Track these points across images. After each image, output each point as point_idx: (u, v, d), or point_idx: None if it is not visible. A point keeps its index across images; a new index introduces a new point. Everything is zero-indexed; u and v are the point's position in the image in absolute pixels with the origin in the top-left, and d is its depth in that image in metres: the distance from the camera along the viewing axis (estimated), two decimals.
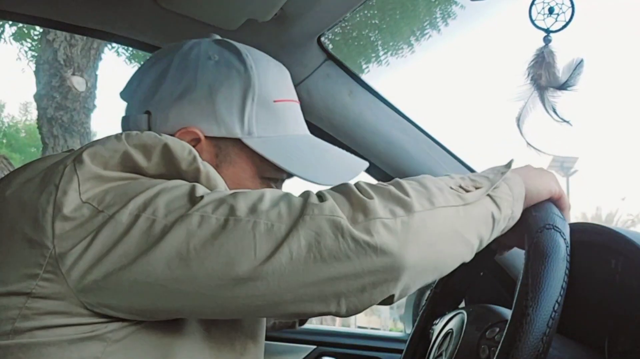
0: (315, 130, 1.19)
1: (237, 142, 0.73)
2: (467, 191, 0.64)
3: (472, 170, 1.17)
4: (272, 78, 0.77)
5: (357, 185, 0.59)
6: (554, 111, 0.84)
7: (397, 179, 0.63)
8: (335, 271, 0.54)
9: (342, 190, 0.58)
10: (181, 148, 0.61)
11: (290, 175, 0.76)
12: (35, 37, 4.21)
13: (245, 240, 0.53)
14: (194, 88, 0.72)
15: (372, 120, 1.14)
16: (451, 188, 0.63)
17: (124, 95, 0.78)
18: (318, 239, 0.53)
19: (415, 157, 1.15)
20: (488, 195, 0.66)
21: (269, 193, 0.57)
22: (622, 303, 0.71)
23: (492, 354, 0.74)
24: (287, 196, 0.57)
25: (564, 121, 0.84)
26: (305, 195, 0.57)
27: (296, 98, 0.80)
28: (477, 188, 0.65)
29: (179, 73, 0.74)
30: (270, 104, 0.75)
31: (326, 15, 0.99)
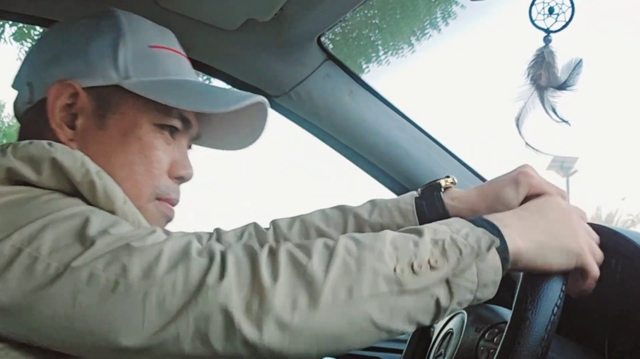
0: (315, 130, 1.19)
1: (118, 89, 0.71)
2: (415, 273, 0.54)
3: (471, 170, 1.17)
4: (145, 27, 0.76)
5: (270, 251, 0.53)
6: (554, 111, 0.84)
7: (339, 242, 0.54)
8: (217, 356, 0.51)
9: (250, 259, 0.52)
10: (72, 160, 0.59)
11: (184, 120, 0.75)
12: (36, 37, 4.21)
13: (134, 310, 0.50)
14: (66, 48, 0.72)
15: (372, 120, 1.14)
16: (395, 270, 0.53)
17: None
18: (207, 326, 0.50)
19: (415, 157, 1.15)
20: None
21: (168, 249, 0.53)
22: (622, 303, 0.71)
23: (491, 356, 0.74)
24: (187, 257, 0.52)
25: (563, 121, 0.84)
26: (205, 266, 0.51)
27: (182, 52, 0.79)
28: (433, 268, 0.54)
29: (50, 40, 0.75)
30: (146, 49, 0.74)
31: (326, 15, 0.99)
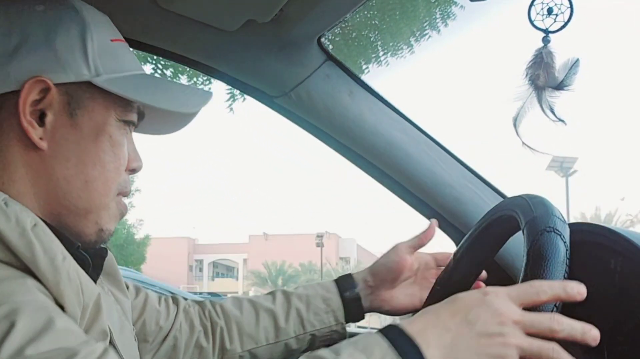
0: (315, 130, 1.19)
1: (88, 85, 0.70)
2: None
3: (471, 170, 1.17)
4: (101, 19, 0.75)
5: None
6: (552, 111, 0.84)
7: None
8: None
9: None
10: (5, 219, 0.58)
11: (140, 114, 0.76)
12: None
13: None
14: (28, 39, 0.68)
15: (372, 120, 1.14)
16: None
17: None
18: None
19: (415, 157, 1.15)
20: None
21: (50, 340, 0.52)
22: (622, 303, 0.71)
23: None
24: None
25: (560, 120, 0.84)
26: None
27: (122, 38, 0.78)
28: None
29: (5, 29, 0.69)
30: (109, 43, 0.73)
31: (326, 15, 0.99)
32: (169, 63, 3.95)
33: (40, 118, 0.69)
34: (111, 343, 0.67)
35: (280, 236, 38.52)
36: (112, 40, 0.74)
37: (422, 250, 1.05)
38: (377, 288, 1.02)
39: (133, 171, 0.77)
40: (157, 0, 0.97)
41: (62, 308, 0.58)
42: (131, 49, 0.79)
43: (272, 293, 1.04)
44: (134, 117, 0.75)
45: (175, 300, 1.00)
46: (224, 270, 42.46)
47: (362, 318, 1.04)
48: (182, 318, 0.97)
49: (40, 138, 0.68)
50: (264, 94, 1.17)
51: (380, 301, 1.03)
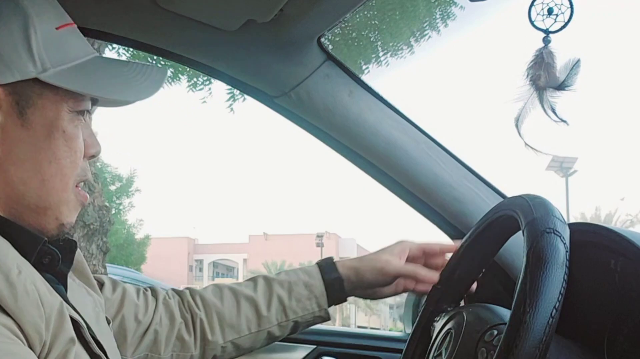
0: (314, 130, 1.19)
1: (35, 82, 0.67)
2: None
3: (471, 170, 1.17)
4: (45, 5, 0.70)
5: None
6: (553, 111, 0.84)
7: None
8: None
9: None
10: None
11: (94, 100, 0.73)
12: None
13: None
14: None
15: (372, 120, 1.14)
16: None
17: None
18: None
19: (415, 157, 1.15)
20: None
21: None
22: (622, 303, 0.71)
23: (490, 358, 0.74)
24: None
25: (562, 121, 0.84)
26: None
27: (70, 20, 0.74)
28: None
29: None
30: (53, 32, 0.69)
31: (326, 15, 0.99)
32: (168, 63, 3.96)
33: None
34: (86, 337, 0.66)
35: (280, 236, 38.50)
36: (57, 28, 0.70)
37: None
38: (360, 287, 1.04)
39: (92, 157, 0.74)
40: (157, 0, 0.97)
41: (20, 325, 0.56)
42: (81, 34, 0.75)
43: (253, 279, 1.03)
44: (87, 105, 0.72)
45: (154, 292, 0.98)
46: (224, 270, 42.45)
47: (345, 301, 1.05)
48: (162, 311, 0.96)
49: None
50: (264, 94, 1.17)
51: (363, 293, 1.05)
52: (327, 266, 1.03)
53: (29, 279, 0.59)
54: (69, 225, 0.72)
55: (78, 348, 0.63)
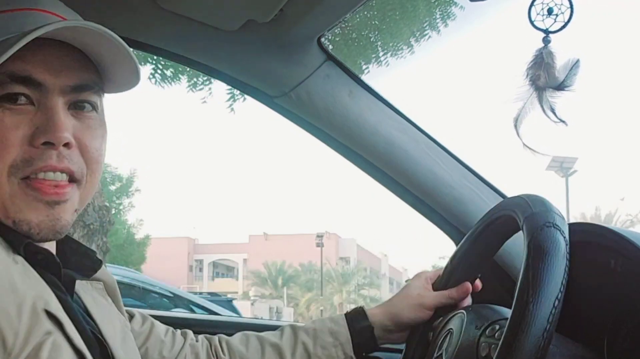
0: (315, 130, 1.19)
1: None
2: None
3: (471, 170, 1.17)
4: None
5: None
6: (553, 112, 0.84)
7: None
8: None
9: None
10: None
11: (26, 81, 0.65)
12: None
13: None
14: None
15: (372, 120, 1.14)
16: None
17: None
18: None
19: (415, 157, 1.15)
20: None
21: None
22: (622, 303, 0.71)
23: (492, 352, 0.74)
24: None
25: (561, 121, 0.84)
26: None
27: (32, 5, 0.68)
28: None
29: None
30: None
31: (326, 16, 0.99)
32: (169, 64, 3.95)
33: None
34: (108, 348, 0.67)
35: (280, 236, 38.49)
36: (2, 12, 0.66)
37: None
38: (398, 329, 1.00)
39: (49, 144, 0.65)
40: (157, 0, 0.97)
41: None
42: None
43: (280, 329, 1.03)
44: (9, 89, 0.64)
45: (183, 333, 1.00)
46: (224, 270, 42.44)
47: (377, 347, 1.01)
48: (188, 351, 0.97)
49: None
50: (264, 94, 1.17)
51: (400, 337, 1.01)
52: (355, 315, 1.01)
53: (1, 266, 0.58)
54: (29, 225, 0.65)
55: (59, 339, 0.60)
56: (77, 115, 0.69)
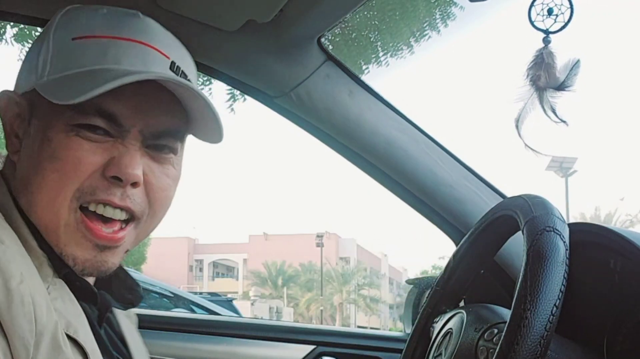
0: (315, 130, 1.19)
1: (38, 92, 0.65)
2: None
3: (471, 170, 1.17)
4: (77, 17, 0.69)
5: None
6: (553, 112, 0.84)
7: None
8: None
9: None
10: None
11: (109, 117, 0.64)
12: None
13: None
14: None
15: (372, 120, 1.14)
16: None
17: None
18: None
19: (415, 157, 1.15)
20: None
21: None
22: (621, 303, 0.71)
23: (490, 356, 0.74)
24: None
25: (562, 121, 0.84)
26: None
27: (124, 35, 0.67)
28: None
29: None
30: (68, 43, 0.67)
31: (326, 16, 0.99)
32: None
33: (21, 131, 0.69)
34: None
35: (280, 236, 38.48)
36: (73, 39, 0.67)
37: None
38: None
39: (116, 179, 0.65)
40: (157, 1, 0.97)
41: (7, 334, 0.54)
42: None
43: None
44: (92, 120, 0.64)
45: None
46: (224, 270, 42.43)
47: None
48: None
49: (16, 151, 0.68)
50: (264, 94, 1.17)
51: None
52: None
53: (28, 290, 0.56)
54: (76, 260, 0.65)
55: None
56: (153, 155, 0.68)
